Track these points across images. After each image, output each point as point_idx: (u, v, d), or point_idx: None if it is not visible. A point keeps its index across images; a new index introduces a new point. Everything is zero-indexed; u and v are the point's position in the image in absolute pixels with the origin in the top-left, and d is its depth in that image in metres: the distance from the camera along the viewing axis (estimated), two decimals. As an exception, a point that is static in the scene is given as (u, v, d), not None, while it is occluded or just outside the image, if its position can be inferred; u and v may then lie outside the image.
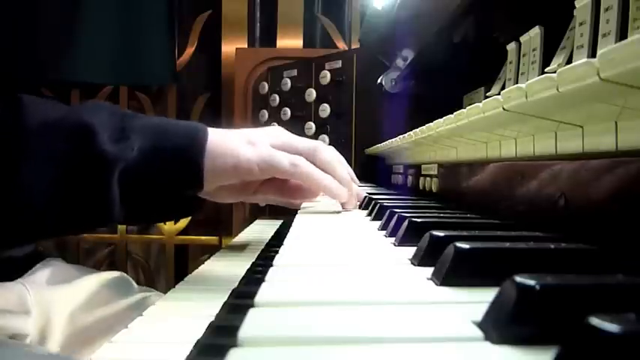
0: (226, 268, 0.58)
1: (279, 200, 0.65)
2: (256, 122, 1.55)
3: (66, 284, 0.69)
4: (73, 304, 0.67)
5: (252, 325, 0.20)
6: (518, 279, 0.18)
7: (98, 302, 0.69)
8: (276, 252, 0.35)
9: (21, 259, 0.70)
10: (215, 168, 0.51)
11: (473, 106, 0.43)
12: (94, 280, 0.72)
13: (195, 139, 0.50)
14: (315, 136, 1.36)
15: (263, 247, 0.66)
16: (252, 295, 0.24)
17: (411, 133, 0.68)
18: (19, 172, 0.43)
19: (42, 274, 0.69)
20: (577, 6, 0.42)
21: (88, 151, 0.44)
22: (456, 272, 0.25)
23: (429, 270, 0.28)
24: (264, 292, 0.25)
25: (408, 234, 0.39)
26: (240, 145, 0.53)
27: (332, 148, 0.62)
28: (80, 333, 0.65)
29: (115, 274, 0.76)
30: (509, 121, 0.41)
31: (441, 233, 0.31)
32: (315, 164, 0.57)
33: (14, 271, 0.67)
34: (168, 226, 1.86)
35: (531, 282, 0.18)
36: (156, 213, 0.59)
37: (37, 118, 0.44)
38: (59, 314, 0.65)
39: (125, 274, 0.77)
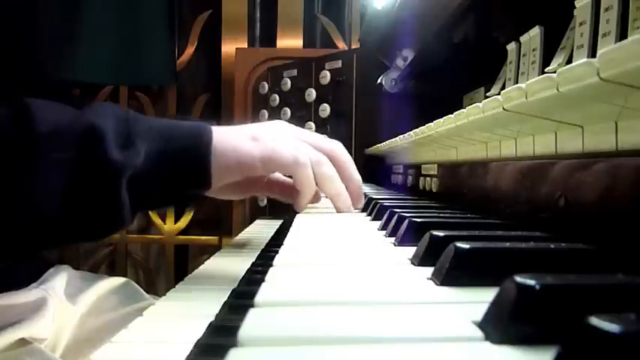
0: (226, 268, 0.58)
1: (282, 198, 0.65)
2: (256, 122, 1.54)
3: (78, 290, 0.71)
4: (83, 309, 0.69)
5: (252, 325, 0.20)
6: (518, 279, 0.18)
7: (106, 307, 0.70)
8: (276, 252, 0.35)
9: (33, 266, 0.71)
10: (219, 166, 0.50)
11: (473, 106, 0.43)
12: (102, 286, 0.74)
13: (201, 140, 0.50)
14: (315, 137, 1.36)
15: (263, 247, 0.66)
16: (252, 295, 0.24)
17: (411, 133, 0.68)
18: (30, 181, 0.43)
19: (58, 280, 0.70)
20: (577, 6, 0.42)
21: (97, 159, 0.45)
22: (456, 272, 0.25)
23: (429, 270, 0.28)
24: (264, 292, 0.25)
25: (408, 234, 0.39)
26: (242, 141, 0.52)
27: (338, 149, 0.61)
28: (87, 336, 0.65)
29: (122, 280, 0.78)
30: (509, 121, 0.41)
31: (441, 233, 0.31)
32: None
33: (26, 278, 0.67)
34: (168, 226, 1.86)
35: (531, 282, 0.18)
36: (162, 207, 0.59)
37: (46, 125, 0.44)
38: (72, 319, 0.66)
39: (131, 281, 0.79)
